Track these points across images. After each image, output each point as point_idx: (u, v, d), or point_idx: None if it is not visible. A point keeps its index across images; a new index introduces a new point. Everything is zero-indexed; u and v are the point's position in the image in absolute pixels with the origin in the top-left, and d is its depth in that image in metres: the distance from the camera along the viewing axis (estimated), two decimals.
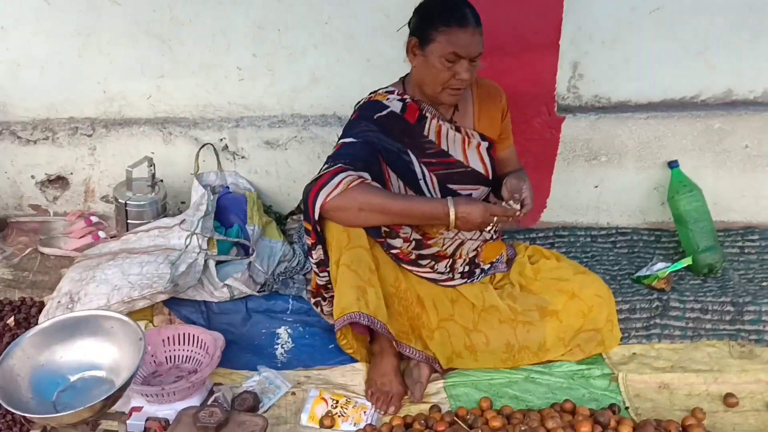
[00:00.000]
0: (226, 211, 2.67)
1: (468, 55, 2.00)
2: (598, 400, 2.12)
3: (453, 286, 2.25)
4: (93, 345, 1.83)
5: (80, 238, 2.78)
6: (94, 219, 2.85)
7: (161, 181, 2.75)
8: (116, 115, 2.86)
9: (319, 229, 2.06)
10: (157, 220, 2.56)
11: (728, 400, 2.10)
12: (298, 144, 2.82)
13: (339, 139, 2.16)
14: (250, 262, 2.44)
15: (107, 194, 2.93)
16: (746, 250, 2.77)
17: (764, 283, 2.54)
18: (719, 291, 2.46)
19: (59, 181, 2.95)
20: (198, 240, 2.39)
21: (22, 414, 1.66)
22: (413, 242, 2.16)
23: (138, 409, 1.89)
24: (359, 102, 2.25)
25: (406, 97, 2.16)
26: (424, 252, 2.19)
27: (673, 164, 2.74)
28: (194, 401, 2.13)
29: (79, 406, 1.63)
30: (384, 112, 2.13)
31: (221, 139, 2.83)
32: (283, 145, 2.82)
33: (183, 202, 2.91)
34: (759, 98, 2.79)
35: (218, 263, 2.45)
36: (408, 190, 2.14)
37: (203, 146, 2.80)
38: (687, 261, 2.57)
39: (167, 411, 2.06)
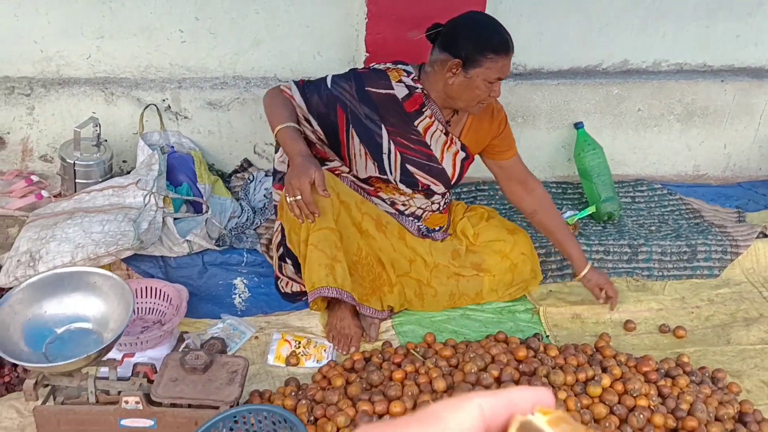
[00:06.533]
0: (174, 170, 2.76)
1: (505, 77, 2.22)
2: (523, 330, 2.48)
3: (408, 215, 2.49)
4: (77, 299, 1.94)
5: (22, 197, 2.79)
6: (34, 178, 2.85)
7: (106, 140, 2.80)
8: (54, 75, 2.85)
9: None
10: (109, 180, 2.63)
11: (627, 325, 2.52)
12: (240, 105, 2.94)
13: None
14: (207, 219, 2.58)
15: (46, 153, 2.94)
16: (637, 200, 3.21)
17: (653, 228, 2.99)
18: (617, 235, 2.87)
19: None
20: (155, 198, 2.50)
21: (23, 364, 1.78)
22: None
23: (130, 355, 2.04)
24: (359, 68, 2.37)
25: (418, 85, 2.27)
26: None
27: (578, 125, 3.11)
28: (164, 349, 2.29)
29: (69, 355, 1.77)
30: (381, 91, 2.26)
31: (164, 100, 2.90)
32: (226, 106, 2.94)
33: (125, 161, 2.97)
34: (650, 68, 3.20)
35: (174, 220, 2.57)
36: (368, 158, 2.32)
37: (147, 107, 2.87)
38: (591, 209, 2.96)
39: (141, 358, 2.22)
